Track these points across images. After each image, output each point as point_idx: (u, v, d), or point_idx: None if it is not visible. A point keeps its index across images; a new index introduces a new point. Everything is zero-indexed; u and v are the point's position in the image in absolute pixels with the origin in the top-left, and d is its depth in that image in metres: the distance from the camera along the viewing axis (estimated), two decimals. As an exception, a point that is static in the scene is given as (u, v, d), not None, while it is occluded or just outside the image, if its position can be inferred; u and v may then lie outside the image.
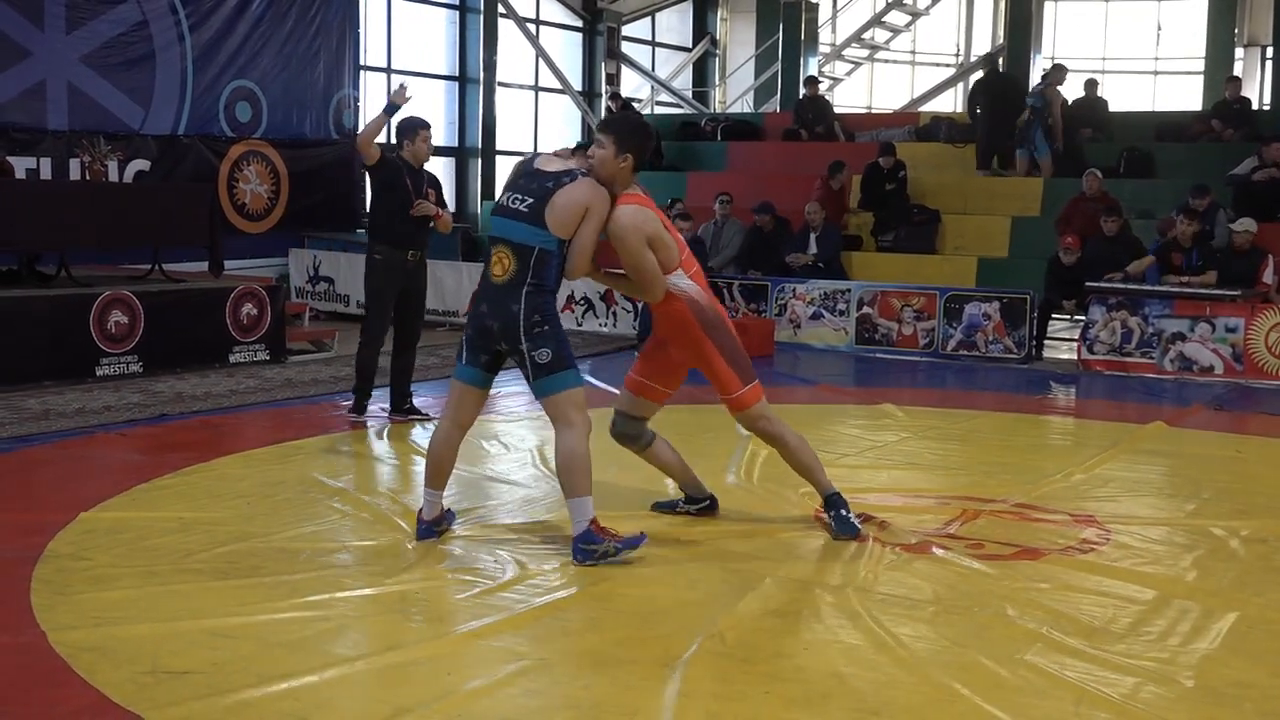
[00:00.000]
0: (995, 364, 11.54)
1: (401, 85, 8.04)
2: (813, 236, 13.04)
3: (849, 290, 12.38)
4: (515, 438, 7.60)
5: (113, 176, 11.90)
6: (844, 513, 5.44)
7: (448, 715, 3.52)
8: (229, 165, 13.55)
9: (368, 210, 8.09)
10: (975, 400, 9.69)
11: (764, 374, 10.63)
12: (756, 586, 4.69)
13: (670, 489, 6.01)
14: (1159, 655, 4.07)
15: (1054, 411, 9.49)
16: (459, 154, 18.53)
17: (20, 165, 11.12)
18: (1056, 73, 14.73)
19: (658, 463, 5.80)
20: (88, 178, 10.82)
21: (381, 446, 7.48)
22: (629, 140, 5.10)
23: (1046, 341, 12.12)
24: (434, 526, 5.23)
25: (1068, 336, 12.68)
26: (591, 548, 4.86)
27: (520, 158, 5.34)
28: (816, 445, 7.51)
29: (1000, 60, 17.18)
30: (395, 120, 7.96)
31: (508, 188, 5.07)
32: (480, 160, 18.41)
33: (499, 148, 18.74)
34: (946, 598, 4.63)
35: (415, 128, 7.88)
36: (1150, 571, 5.05)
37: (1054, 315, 12.19)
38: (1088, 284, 11.32)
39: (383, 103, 8.19)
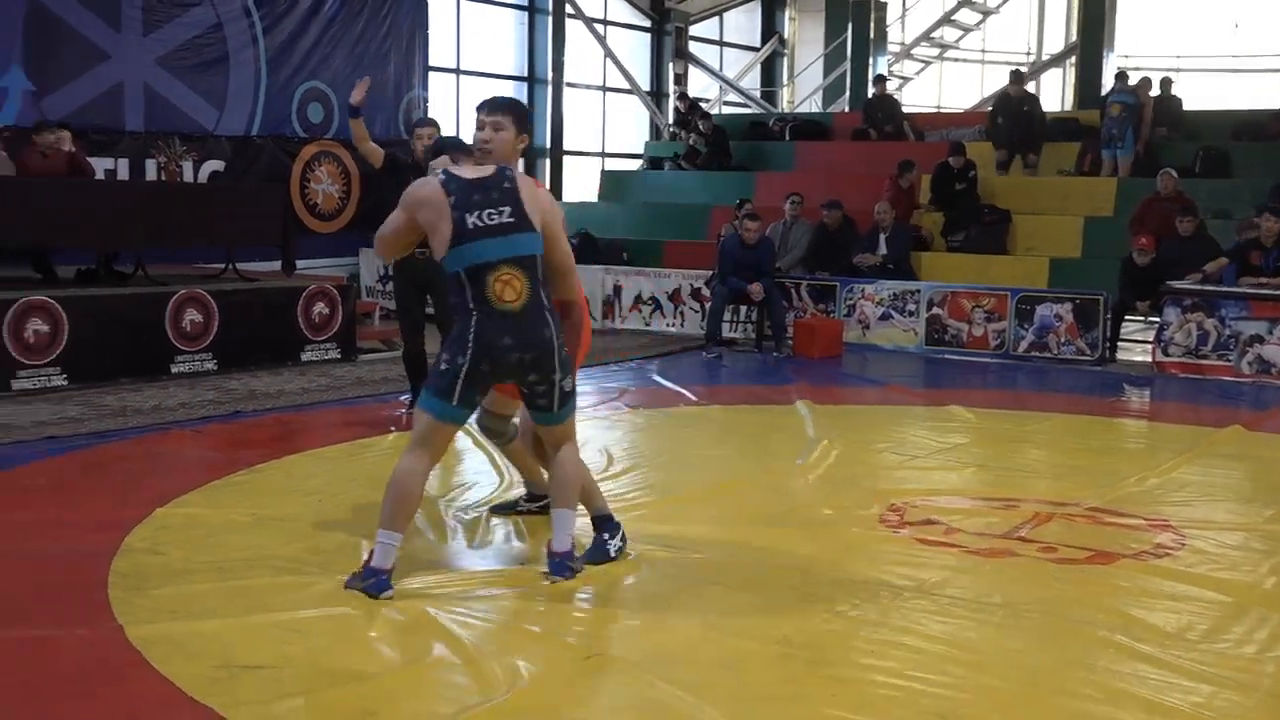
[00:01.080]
0: (1068, 366, 11.40)
1: (357, 83, 7.82)
2: (882, 237, 12.96)
3: (919, 291, 12.28)
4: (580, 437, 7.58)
5: (187, 177, 12.09)
6: (606, 538, 4.95)
7: (513, 712, 3.53)
8: (301, 165, 13.71)
9: None
10: (1047, 402, 9.57)
11: (832, 374, 10.69)
12: (822, 588, 4.67)
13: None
14: (1235, 663, 3.99)
15: (1128, 414, 9.36)
16: (526, 155, 18.60)
17: (99, 166, 11.32)
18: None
19: (517, 460, 5.54)
20: (163, 178, 11.00)
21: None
22: (525, 120, 4.78)
23: (1120, 343, 11.95)
24: (389, 578, 4.48)
25: (1142, 338, 12.51)
26: (573, 565, 4.67)
27: (423, 179, 4.68)
28: (887, 446, 7.51)
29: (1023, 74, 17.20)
30: (413, 120, 7.88)
31: (464, 208, 4.45)
32: (549, 161, 18.50)
33: (566, 148, 18.82)
34: (1016, 602, 4.58)
35: (414, 126, 7.89)
36: (1226, 577, 4.96)
37: (1128, 316, 12.02)
38: (1165, 285, 11.15)
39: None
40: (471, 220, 4.45)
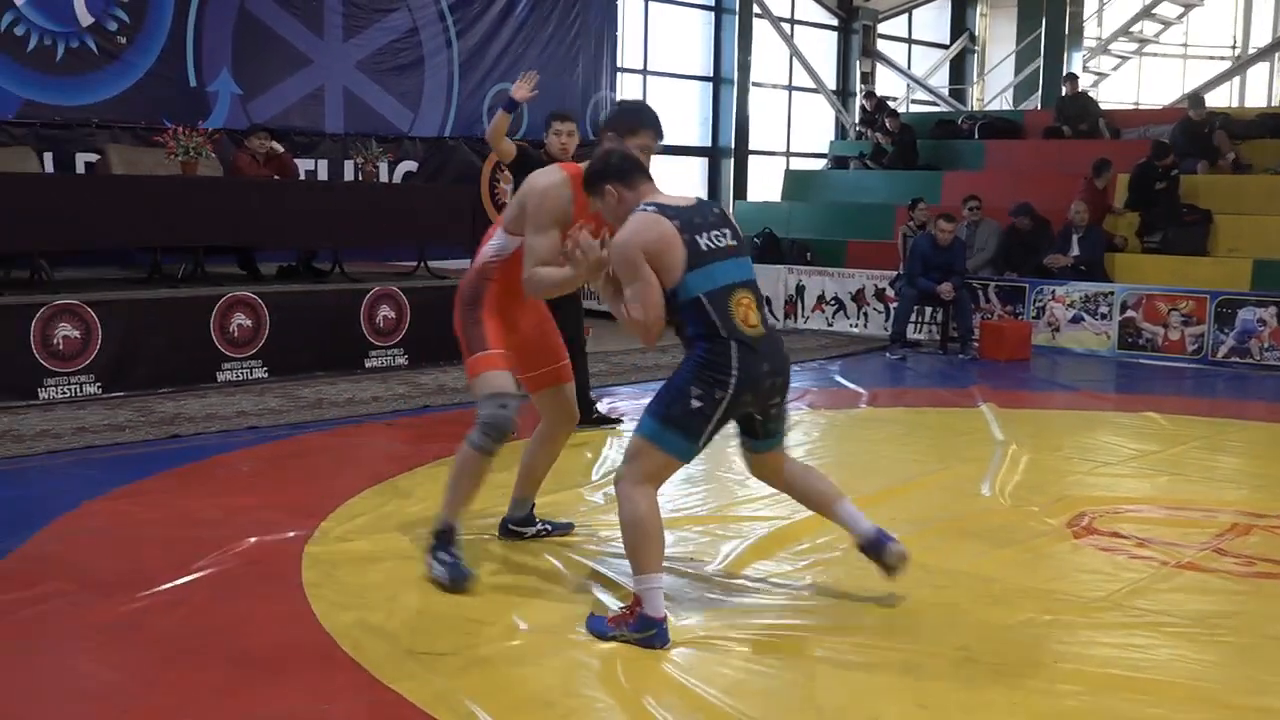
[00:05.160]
0: (1272, 372, 10.92)
1: (524, 75, 7.03)
2: (1075, 237, 12.61)
3: (1112, 293, 11.92)
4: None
5: (383, 177, 12.46)
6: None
7: (692, 711, 3.55)
8: (490, 166, 14.00)
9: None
10: (1249, 410, 9.18)
11: (1020, 378, 10.45)
12: (1007, 597, 4.58)
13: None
14: None
15: (1336, 424, 8.91)
16: (712, 154, 18.68)
17: (300, 167, 11.76)
18: None
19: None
20: (361, 179, 11.36)
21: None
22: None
23: (1329, 349, 11.40)
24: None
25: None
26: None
27: (658, 207, 4.10)
28: (1076, 452, 7.31)
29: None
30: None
31: (695, 229, 4.09)
32: (733, 160, 18.53)
33: (752, 148, 18.81)
34: (1211, 617, 4.41)
35: (547, 119, 7.41)
36: None
37: (1338, 322, 11.45)
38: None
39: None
40: (704, 242, 4.10)
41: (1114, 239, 13.31)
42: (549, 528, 5.21)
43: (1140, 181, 13.65)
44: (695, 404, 4.03)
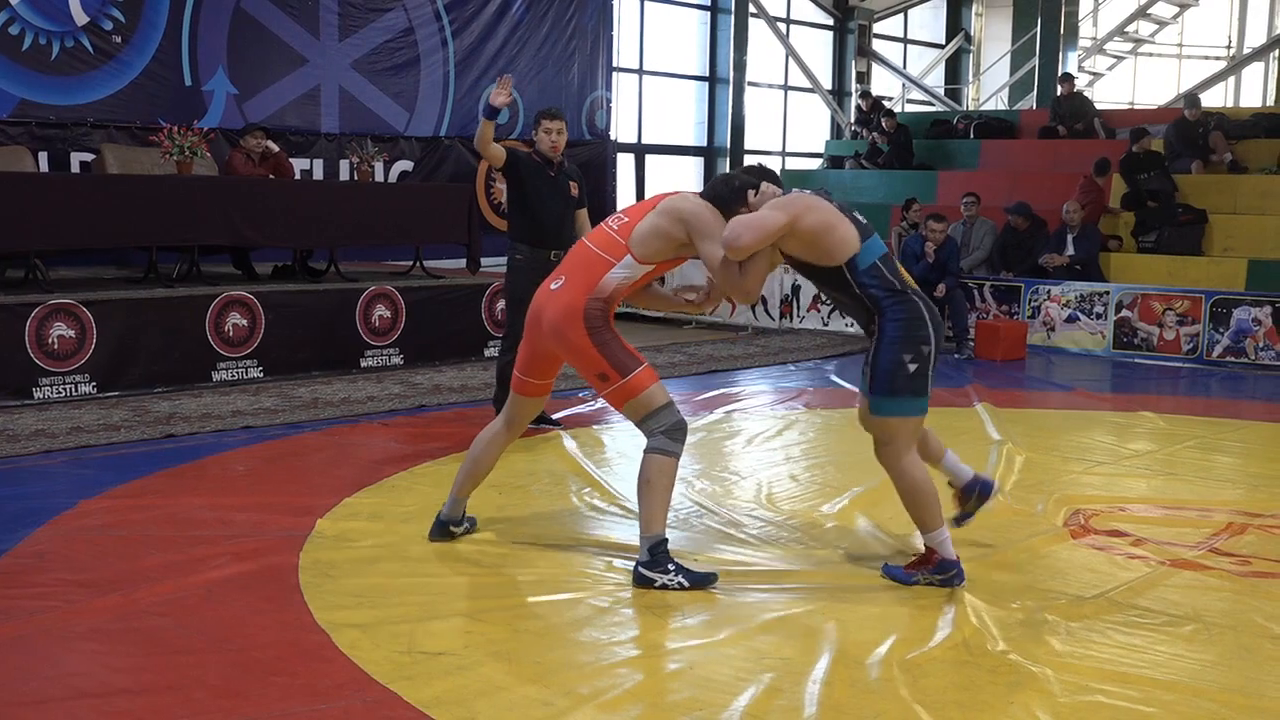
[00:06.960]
0: (1267, 372, 10.94)
1: (500, 80, 6.98)
2: (1069, 237, 12.62)
3: (1107, 292, 11.93)
4: (751, 434, 7.58)
5: (378, 177, 12.45)
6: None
7: (691, 711, 3.55)
8: (486, 165, 13.99)
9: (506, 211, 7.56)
10: (1244, 409, 9.19)
11: (1015, 377, 10.46)
12: (1004, 595, 4.58)
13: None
14: None
15: (1331, 423, 8.93)
16: (708, 153, 18.69)
17: (296, 166, 11.75)
18: None
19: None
20: (356, 178, 11.35)
21: (630, 441, 7.54)
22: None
23: (1324, 349, 11.42)
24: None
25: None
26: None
27: (804, 190, 4.81)
28: (1072, 452, 7.32)
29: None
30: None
31: (846, 211, 4.71)
32: (729, 160, 18.53)
33: (747, 147, 18.81)
34: (1208, 616, 4.42)
35: (536, 118, 7.48)
36: None
37: (1333, 321, 11.47)
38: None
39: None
40: (859, 218, 4.69)
41: (1109, 239, 13.32)
42: (468, 524, 5.24)
43: (1128, 173, 13.62)
44: (912, 368, 4.53)
